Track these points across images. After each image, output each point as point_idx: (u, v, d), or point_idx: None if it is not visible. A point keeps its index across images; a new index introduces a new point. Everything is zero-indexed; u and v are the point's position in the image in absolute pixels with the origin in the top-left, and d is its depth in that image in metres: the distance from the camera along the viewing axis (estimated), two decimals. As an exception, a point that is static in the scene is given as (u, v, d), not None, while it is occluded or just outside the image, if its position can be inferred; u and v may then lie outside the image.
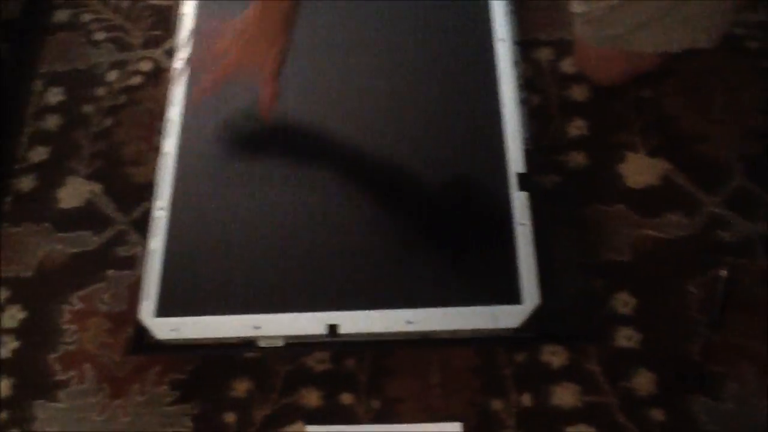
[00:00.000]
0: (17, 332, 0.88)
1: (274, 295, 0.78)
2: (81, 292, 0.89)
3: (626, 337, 0.79)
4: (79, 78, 1.03)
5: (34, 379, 0.86)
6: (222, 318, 0.78)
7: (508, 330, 0.75)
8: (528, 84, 0.89)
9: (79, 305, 0.89)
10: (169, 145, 0.87)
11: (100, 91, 1.02)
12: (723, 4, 0.75)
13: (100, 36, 1.06)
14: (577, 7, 0.83)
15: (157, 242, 0.82)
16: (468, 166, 0.82)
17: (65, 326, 0.88)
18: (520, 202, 0.79)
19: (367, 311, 0.76)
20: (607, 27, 0.81)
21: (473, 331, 0.75)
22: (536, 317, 0.75)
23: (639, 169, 0.87)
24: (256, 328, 0.76)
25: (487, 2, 0.90)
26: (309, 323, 0.76)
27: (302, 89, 0.88)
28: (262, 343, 0.77)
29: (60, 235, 0.93)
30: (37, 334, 0.88)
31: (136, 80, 1.02)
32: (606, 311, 0.80)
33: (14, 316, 0.89)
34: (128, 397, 0.83)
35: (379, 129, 0.85)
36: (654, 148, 0.88)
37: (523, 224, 0.78)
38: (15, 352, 0.87)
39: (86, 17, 1.08)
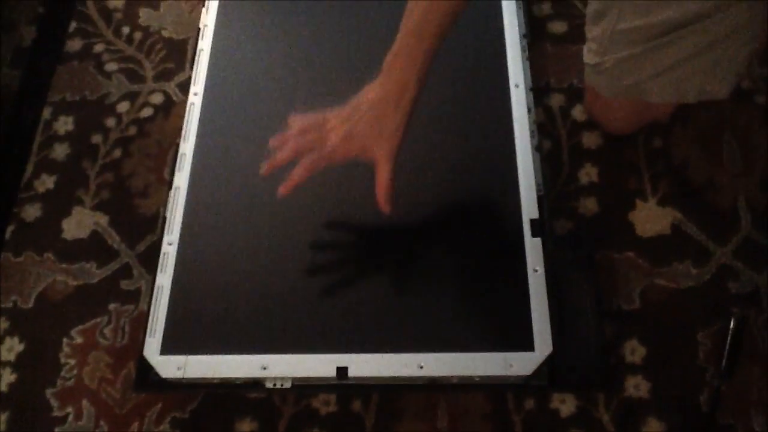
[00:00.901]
0: (14, 365, 0.86)
1: (282, 335, 0.77)
2: (82, 326, 0.88)
3: (635, 386, 0.79)
4: (88, 108, 1.03)
5: (30, 415, 0.83)
6: (229, 357, 0.76)
7: (519, 377, 0.74)
8: (540, 130, 0.89)
9: (79, 339, 0.87)
10: (181, 179, 0.86)
11: (110, 122, 1.01)
12: (737, 55, 0.76)
13: (111, 67, 1.06)
14: (589, 58, 0.84)
15: (164, 278, 0.81)
16: (482, 210, 0.82)
17: (64, 360, 0.86)
18: (533, 248, 0.79)
19: (377, 354, 0.75)
20: (619, 78, 0.82)
21: (483, 377, 0.74)
22: (547, 364, 0.74)
23: (649, 218, 0.87)
24: (264, 368, 0.75)
25: (503, 47, 0.91)
26: (318, 365, 0.75)
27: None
28: (270, 384, 0.76)
29: (63, 266, 0.92)
30: (35, 367, 0.86)
31: (147, 112, 1.02)
32: (615, 359, 0.80)
33: (12, 348, 0.87)
34: (127, 435, 0.81)
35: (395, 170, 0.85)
36: (664, 197, 0.88)
37: (536, 270, 0.77)
38: (11, 385, 0.85)
39: (98, 48, 1.08)
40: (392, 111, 0.71)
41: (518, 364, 0.73)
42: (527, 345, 0.74)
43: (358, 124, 0.72)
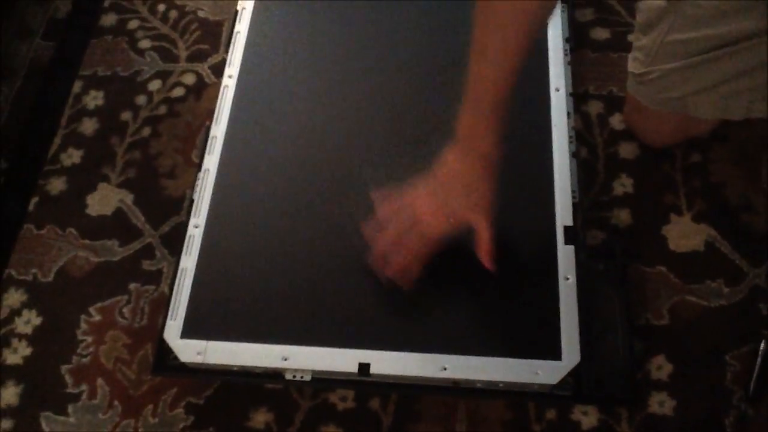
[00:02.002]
0: (30, 339, 0.85)
1: (305, 326, 0.76)
2: (101, 303, 0.87)
3: (660, 403, 0.78)
4: (120, 84, 1.02)
5: (43, 390, 0.82)
6: (250, 345, 0.75)
7: (544, 386, 0.72)
8: (576, 137, 0.88)
9: (97, 317, 0.86)
10: (210, 162, 0.85)
11: (140, 100, 1.00)
12: None
13: (145, 44, 1.05)
14: (634, 67, 0.82)
15: (189, 261, 0.79)
16: (516, 214, 0.81)
17: (81, 337, 0.85)
18: (565, 255, 0.77)
19: (401, 353, 0.73)
20: (665, 90, 0.80)
21: (508, 383, 0.73)
22: (572, 375, 0.73)
23: (683, 233, 0.86)
24: (285, 359, 0.74)
25: (546, 50, 0.89)
26: (340, 360, 0.74)
27: (357, 121, 0.88)
28: (289, 376, 0.75)
29: (85, 242, 0.91)
30: (51, 342, 0.85)
31: (178, 92, 1.00)
32: (641, 375, 0.79)
33: (29, 321, 0.86)
34: (140, 417, 0.80)
35: (427, 167, 0.84)
36: (699, 213, 0.87)
37: (567, 278, 0.76)
38: (26, 359, 0.84)
39: (133, 24, 1.07)
40: (480, 179, 0.69)
41: (544, 372, 0.72)
42: (555, 354, 0.72)
43: (452, 201, 0.70)
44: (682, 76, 0.77)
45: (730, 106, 0.79)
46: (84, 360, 0.84)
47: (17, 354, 0.85)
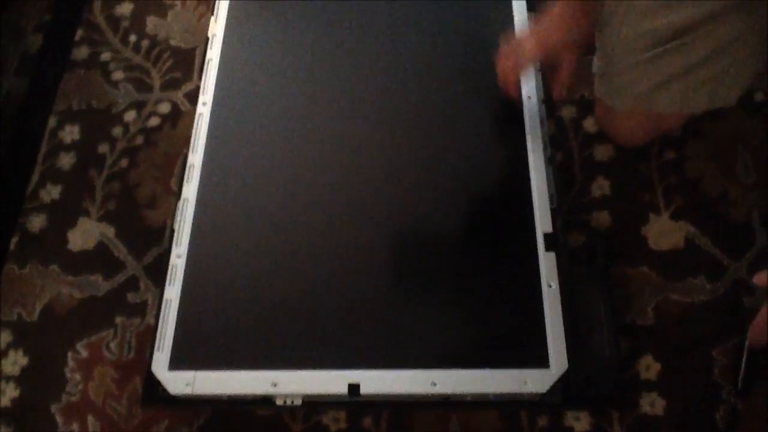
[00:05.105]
0: (18, 379, 0.85)
1: (293, 350, 0.76)
2: (87, 339, 0.86)
3: (650, 403, 0.78)
4: (95, 117, 1.02)
5: (34, 431, 0.82)
6: (238, 373, 0.75)
7: (534, 395, 0.73)
8: (551, 142, 0.88)
9: (84, 353, 0.86)
10: (189, 191, 0.85)
11: (117, 132, 1.00)
12: (745, 61, 0.75)
13: (118, 75, 1.05)
14: (597, 68, 0.83)
15: (172, 291, 0.79)
16: (495, 224, 0.81)
17: (69, 375, 0.84)
18: (547, 262, 0.78)
19: (390, 371, 0.74)
20: (627, 87, 0.81)
21: (497, 394, 0.73)
22: (562, 381, 0.73)
23: (662, 232, 0.86)
24: (274, 385, 0.74)
25: (516, 60, 0.90)
26: (329, 382, 0.74)
27: (333, 143, 0.88)
28: (280, 402, 0.74)
29: (68, 278, 0.90)
30: (39, 382, 0.85)
31: (154, 122, 1.00)
32: (630, 376, 0.79)
33: (16, 362, 0.86)
34: (133, 452, 0.80)
35: (406, 183, 0.84)
36: (677, 211, 0.87)
37: (550, 286, 0.76)
38: (15, 400, 0.84)
39: (105, 56, 1.07)
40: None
41: (533, 381, 0.72)
42: (542, 362, 0.73)
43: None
44: (640, 71, 0.78)
45: (691, 98, 0.79)
46: (73, 398, 0.83)
47: (5, 396, 0.84)
